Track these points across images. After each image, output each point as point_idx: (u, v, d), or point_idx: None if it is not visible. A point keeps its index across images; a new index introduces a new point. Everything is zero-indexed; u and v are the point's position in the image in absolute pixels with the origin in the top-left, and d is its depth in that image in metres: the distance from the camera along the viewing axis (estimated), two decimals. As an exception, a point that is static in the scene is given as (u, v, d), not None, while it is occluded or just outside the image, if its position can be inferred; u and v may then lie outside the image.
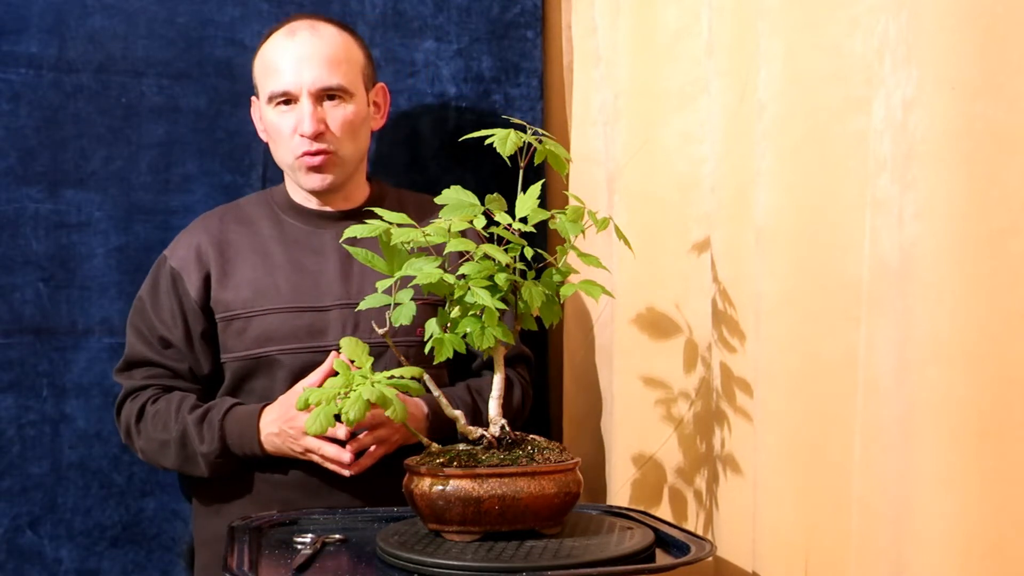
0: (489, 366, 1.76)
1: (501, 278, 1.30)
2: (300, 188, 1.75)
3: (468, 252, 1.31)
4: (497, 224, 1.36)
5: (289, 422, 1.56)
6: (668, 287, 1.68)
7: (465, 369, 1.77)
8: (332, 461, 1.57)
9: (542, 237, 1.91)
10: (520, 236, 1.36)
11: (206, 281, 1.70)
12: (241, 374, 1.67)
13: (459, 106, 2.02)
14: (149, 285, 1.73)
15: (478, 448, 1.33)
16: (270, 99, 1.69)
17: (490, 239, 1.38)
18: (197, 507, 1.75)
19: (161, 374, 1.69)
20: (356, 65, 1.72)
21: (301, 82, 1.66)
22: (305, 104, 1.66)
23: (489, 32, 2.03)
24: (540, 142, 1.36)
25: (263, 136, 1.78)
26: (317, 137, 1.66)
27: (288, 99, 1.67)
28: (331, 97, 1.68)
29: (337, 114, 1.68)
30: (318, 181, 1.70)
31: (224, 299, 1.69)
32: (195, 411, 1.63)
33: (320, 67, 1.66)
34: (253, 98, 1.78)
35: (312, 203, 1.76)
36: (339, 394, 1.28)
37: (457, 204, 1.36)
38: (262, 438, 1.59)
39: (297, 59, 1.66)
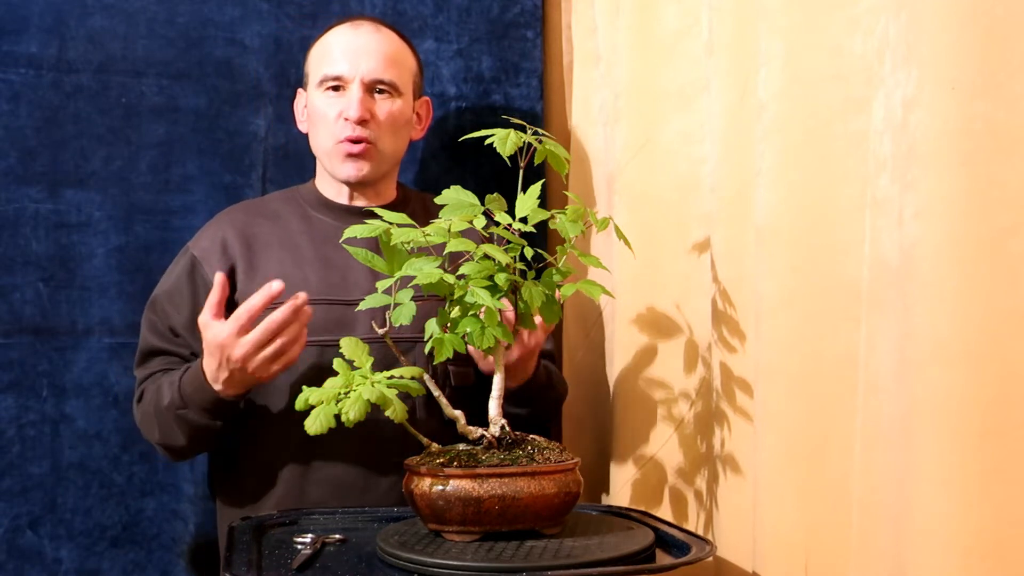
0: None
1: (501, 278, 1.30)
2: (333, 179, 1.76)
3: (468, 252, 1.31)
4: (497, 224, 1.36)
5: (233, 361, 1.51)
6: (668, 287, 1.68)
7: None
8: (287, 319, 1.49)
9: (542, 237, 1.91)
10: (520, 236, 1.36)
11: (231, 274, 1.69)
12: None
13: (459, 106, 2.02)
14: (166, 276, 1.74)
15: (478, 448, 1.33)
16: (321, 82, 1.72)
17: (490, 239, 1.38)
18: (221, 508, 1.75)
19: (173, 361, 1.69)
20: (408, 70, 1.77)
21: (356, 70, 1.70)
22: (355, 90, 1.70)
23: (489, 32, 2.03)
24: (540, 142, 1.36)
25: (302, 127, 1.80)
26: (362, 123, 1.69)
27: (339, 85, 1.71)
28: (381, 91, 1.72)
29: (384, 107, 1.72)
30: (353, 170, 1.72)
31: (251, 291, 1.68)
32: (171, 374, 1.64)
33: (377, 60, 1.71)
34: (300, 89, 1.81)
35: (342, 198, 1.77)
36: (339, 394, 1.28)
37: (457, 204, 1.36)
38: (214, 386, 1.56)
39: (356, 48, 1.72)
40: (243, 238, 1.72)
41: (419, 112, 1.82)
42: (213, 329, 1.53)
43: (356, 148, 1.70)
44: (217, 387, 1.56)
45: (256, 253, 1.71)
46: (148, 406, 1.65)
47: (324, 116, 1.72)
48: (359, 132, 1.70)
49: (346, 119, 1.69)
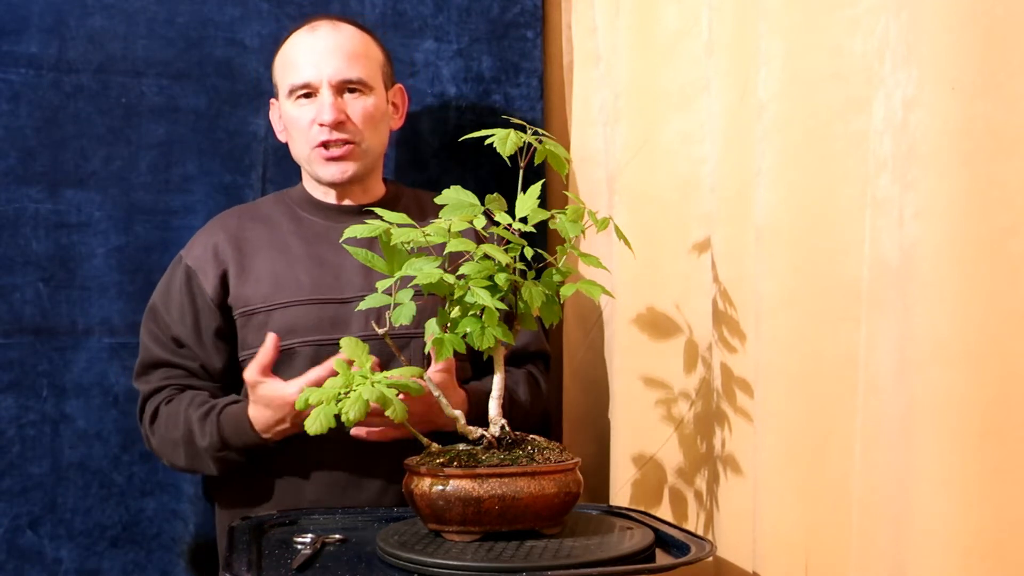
0: (512, 359, 1.80)
1: (501, 278, 1.30)
2: (318, 183, 1.76)
3: (468, 252, 1.31)
4: (497, 224, 1.36)
5: (282, 409, 1.54)
6: (668, 287, 1.68)
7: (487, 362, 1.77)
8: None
9: (542, 237, 1.91)
10: (520, 236, 1.36)
11: (223, 278, 1.70)
12: None
13: (459, 106, 2.02)
14: (163, 286, 1.74)
15: (478, 448, 1.33)
16: (290, 92, 1.71)
17: (489, 239, 1.38)
18: (219, 507, 1.75)
19: (177, 374, 1.69)
20: (375, 61, 1.76)
21: (321, 74, 1.69)
22: (325, 94, 1.69)
23: (489, 32, 2.03)
24: (540, 142, 1.36)
25: (281, 137, 1.80)
26: (337, 126, 1.69)
27: (308, 92, 1.70)
28: (351, 90, 1.71)
29: (357, 106, 1.71)
30: (337, 172, 1.71)
31: (244, 294, 1.69)
32: (200, 408, 1.64)
33: (341, 60, 1.70)
34: (272, 100, 1.81)
35: (331, 198, 1.77)
36: (339, 394, 1.28)
37: (457, 204, 1.36)
38: (264, 435, 1.58)
39: (318, 52, 1.70)
40: (234, 242, 1.72)
41: (395, 102, 1.81)
42: (271, 387, 1.54)
43: (337, 151, 1.70)
44: (267, 436, 1.58)
45: (247, 256, 1.71)
46: (174, 435, 1.64)
47: (298, 125, 1.71)
48: (336, 135, 1.69)
49: (321, 124, 1.68)
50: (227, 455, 1.62)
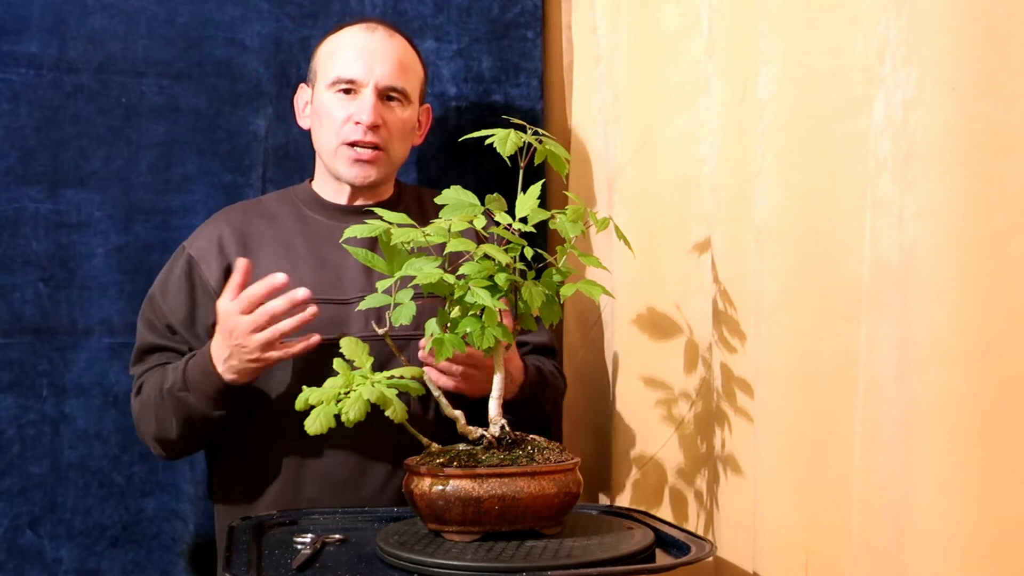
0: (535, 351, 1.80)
1: (501, 278, 1.30)
2: (336, 179, 1.76)
3: (468, 252, 1.31)
4: (497, 224, 1.36)
5: (233, 338, 1.54)
6: (668, 287, 1.68)
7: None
8: (281, 309, 1.53)
9: (542, 237, 1.91)
10: (520, 236, 1.36)
11: (226, 272, 1.69)
12: None
13: (459, 106, 2.02)
14: (163, 274, 1.74)
15: (478, 448, 1.33)
16: (332, 83, 1.72)
17: (489, 239, 1.38)
18: (218, 506, 1.75)
19: (171, 358, 1.69)
20: (417, 77, 1.78)
21: (371, 75, 1.70)
22: (369, 95, 1.70)
23: (489, 32, 2.03)
24: (540, 142, 1.36)
25: (303, 123, 1.80)
26: (373, 129, 1.69)
27: (351, 88, 1.71)
28: (391, 98, 1.73)
29: (394, 115, 1.73)
30: (360, 175, 1.72)
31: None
32: (177, 360, 1.65)
33: (392, 66, 1.72)
34: (302, 84, 1.81)
35: (341, 198, 1.78)
36: (339, 394, 1.28)
37: (457, 204, 1.36)
38: (218, 368, 1.57)
39: (371, 52, 1.72)
40: (239, 237, 1.72)
41: (420, 119, 1.83)
42: (223, 304, 1.56)
43: (367, 154, 1.70)
44: (220, 368, 1.57)
45: (251, 252, 1.71)
46: (147, 396, 1.65)
47: (331, 117, 1.71)
48: (370, 137, 1.70)
49: (357, 123, 1.69)
50: (188, 397, 1.59)
